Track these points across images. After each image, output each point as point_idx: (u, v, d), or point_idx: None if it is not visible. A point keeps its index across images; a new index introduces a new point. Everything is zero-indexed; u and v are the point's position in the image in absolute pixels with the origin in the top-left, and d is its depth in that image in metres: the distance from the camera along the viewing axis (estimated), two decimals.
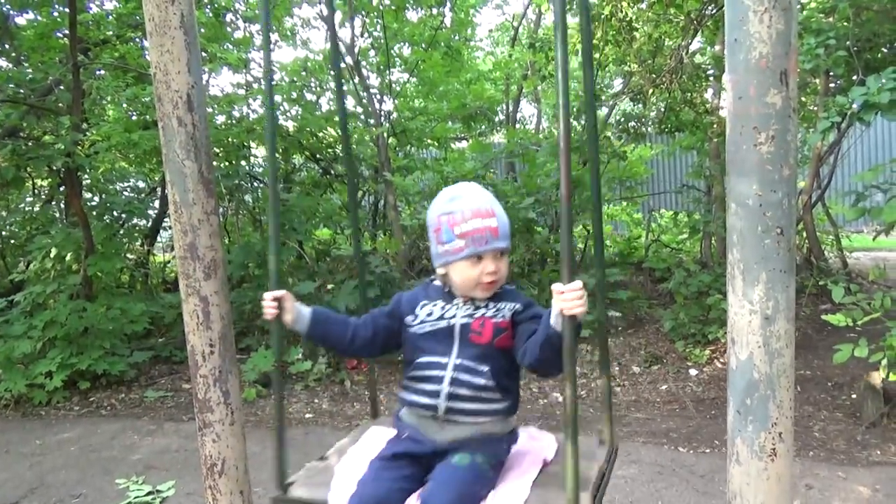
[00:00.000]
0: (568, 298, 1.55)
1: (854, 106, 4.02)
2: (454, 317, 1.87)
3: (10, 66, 7.20)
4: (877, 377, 4.36)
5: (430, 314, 1.90)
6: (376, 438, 2.04)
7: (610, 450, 2.10)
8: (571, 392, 1.59)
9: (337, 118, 7.96)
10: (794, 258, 1.59)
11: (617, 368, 5.66)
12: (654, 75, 7.15)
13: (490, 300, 1.88)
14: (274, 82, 7.54)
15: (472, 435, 1.83)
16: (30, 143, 6.41)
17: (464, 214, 1.82)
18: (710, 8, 6.90)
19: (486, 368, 1.82)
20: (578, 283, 1.56)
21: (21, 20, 7.31)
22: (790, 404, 1.57)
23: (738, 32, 1.51)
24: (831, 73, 6.26)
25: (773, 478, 1.55)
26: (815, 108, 6.87)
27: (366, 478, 1.81)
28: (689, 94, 7.40)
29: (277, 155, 8.31)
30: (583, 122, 8.33)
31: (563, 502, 1.62)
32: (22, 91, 6.53)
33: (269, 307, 1.89)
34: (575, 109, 8.68)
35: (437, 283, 1.95)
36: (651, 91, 7.36)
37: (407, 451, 1.84)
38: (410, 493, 1.76)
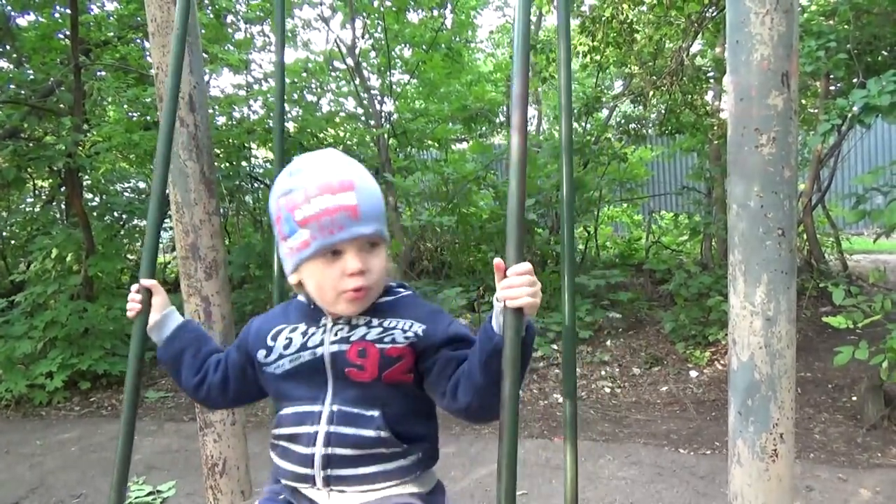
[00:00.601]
0: (513, 285, 1.13)
1: (854, 108, 4.03)
2: (321, 344, 1.27)
3: (12, 67, 7.21)
4: (877, 380, 4.36)
5: (287, 345, 1.29)
6: None
7: None
8: (510, 426, 1.14)
9: (337, 119, 8.02)
10: (796, 260, 1.59)
11: (617, 370, 5.66)
12: (654, 77, 7.16)
13: (373, 316, 1.28)
14: (274, 83, 7.61)
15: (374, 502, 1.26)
16: (31, 144, 6.42)
17: (307, 192, 1.22)
18: (710, 10, 6.92)
19: (375, 413, 1.24)
20: (526, 266, 1.15)
21: (22, 21, 7.32)
22: (791, 405, 1.57)
23: (740, 34, 1.52)
24: (831, 76, 6.27)
25: (774, 478, 1.55)
26: (815, 111, 6.88)
27: None
28: (690, 96, 7.40)
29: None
30: (583, 124, 8.36)
31: None
32: (23, 92, 6.53)
33: (133, 300, 1.47)
34: (575, 111, 8.71)
35: (301, 298, 1.35)
36: (652, 93, 7.37)
37: None
38: None
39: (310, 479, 1.25)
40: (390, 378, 1.24)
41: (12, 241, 8.02)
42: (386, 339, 1.25)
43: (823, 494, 3.40)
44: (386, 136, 7.80)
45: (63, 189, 6.96)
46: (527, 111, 1.24)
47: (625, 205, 9.92)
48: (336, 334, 1.27)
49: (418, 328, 1.26)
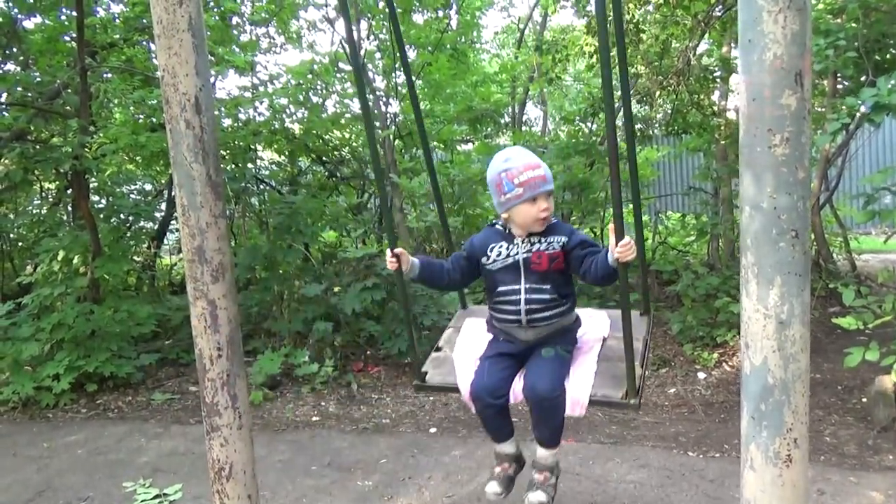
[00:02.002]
0: (622, 250, 2.11)
1: (863, 108, 4.00)
2: (517, 254, 2.47)
3: (19, 69, 7.22)
4: (887, 381, 4.32)
5: (499, 254, 2.50)
6: (475, 331, 2.81)
7: (649, 320, 2.77)
8: (624, 296, 2.22)
9: (343, 121, 8.01)
10: (809, 262, 1.57)
11: None
12: (661, 77, 7.12)
13: (542, 236, 2.45)
14: (280, 85, 7.60)
15: (550, 332, 2.50)
16: (37, 146, 6.43)
17: (518, 169, 2.40)
18: (717, 9, 6.88)
19: (548, 286, 2.45)
20: (629, 238, 2.12)
21: (29, 24, 7.34)
22: (805, 410, 1.54)
23: (752, 33, 1.50)
24: (839, 75, 6.22)
25: (788, 484, 1.53)
26: (823, 110, 6.83)
27: (479, 371, 2.50)
28: (697, 96, 7.36)
29: (283, 158, 8.32)
30: (589, 125, 8.32)
31: (621, 370, 2.32)
32: (30, 94, 6.55)
33: (391, 261, 2.48)
34: (582, 112, 8.68)
35: (498, 226, 2.55)
36: (658, 93, 7.32)
37: (505, 351, 2.54)
38: (512, 379, 2.48)
39: (517, 321, 2.49)
40: (555, 267, 2.45)
41: (19, 244, 8.04)
42: (550, 249, 2.45)
43: (835, 498, 3.36)
44: (391, 137, 7.79)
45: (69, 191, 6.98)
46: (617, 129, 1.87)
47: (631, 205, 9.86)
48: (524, 247, 2.48)
49: (564, 239, 2.47)
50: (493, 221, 2.60)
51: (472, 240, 2.63)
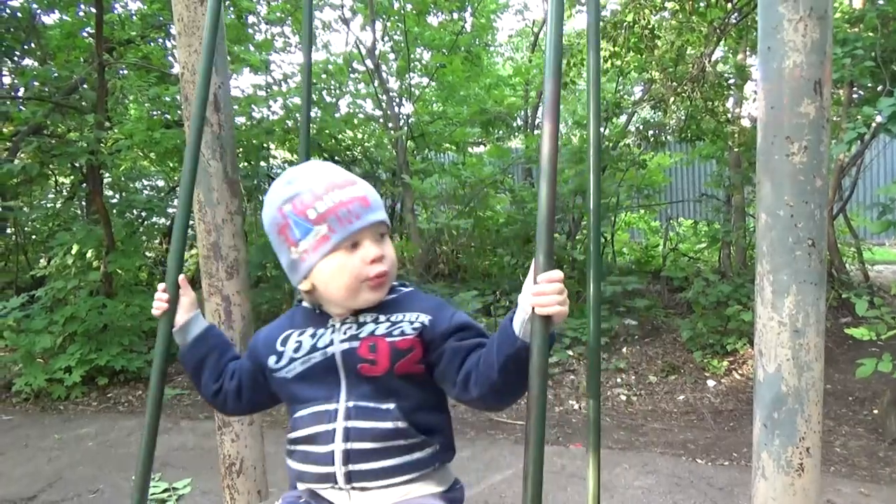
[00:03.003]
0: (543, 292, 1.12)
1: (879, 117, 3.97)
2: (331, 343, 1.27)
3: (37, 64, 7.30)
4: None
5: (297, 348, 1.29)
6: None
7: None
8: (537, 433, 1.11)
9: (356, 121, 8.04)
10: (825, 271, 1.56)
11: (633, 377, 5.61)
12: (675, 83, 7.11)
13: (379, 312, 1.29)
14: (293, 84, 7.64)
15: (395, 502, 1.26)
16: (54, 141, 6.50)
17: (314, 192, 1.25)
18: (733, 17, 6.85)
19: (391, 406, 1.24)
20: (557, 273, 1.13)
21: (48, 20, 7.43)
22: (819, 419, 1.54)
23: (772, 40, 1.50)
24: (854, 84, 6.19)
25: (800, 493, 1.52)
26: (838, 119, 6.79)
27: None
28: (711, 103, 7.33)
29: (296, 156, 8.37)
30: (602, 130, 8.29)
31: None
32: (47, 89, 6.62)
33: (160, 300, 1.46)
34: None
35: (306, 304, 1.36)
36: (672, 99, 7.31)
37: None
38: None
39: (331, 478, 1.24)
40: (402, 370, 1.25)
41: (34, 237, 8.13)
42: (395, 332, 1.26)
43: None
44: (404, 138, 7.81)
45: (84, 186, 7.04)
46: (558, 118, 1.21)
47: (642, 211, 9.85)
48: (345, 333, 1.28)
49: (425, 318, 1.27)
50: (299, 300, 1.40)
51: (259, 331, 1.44)
